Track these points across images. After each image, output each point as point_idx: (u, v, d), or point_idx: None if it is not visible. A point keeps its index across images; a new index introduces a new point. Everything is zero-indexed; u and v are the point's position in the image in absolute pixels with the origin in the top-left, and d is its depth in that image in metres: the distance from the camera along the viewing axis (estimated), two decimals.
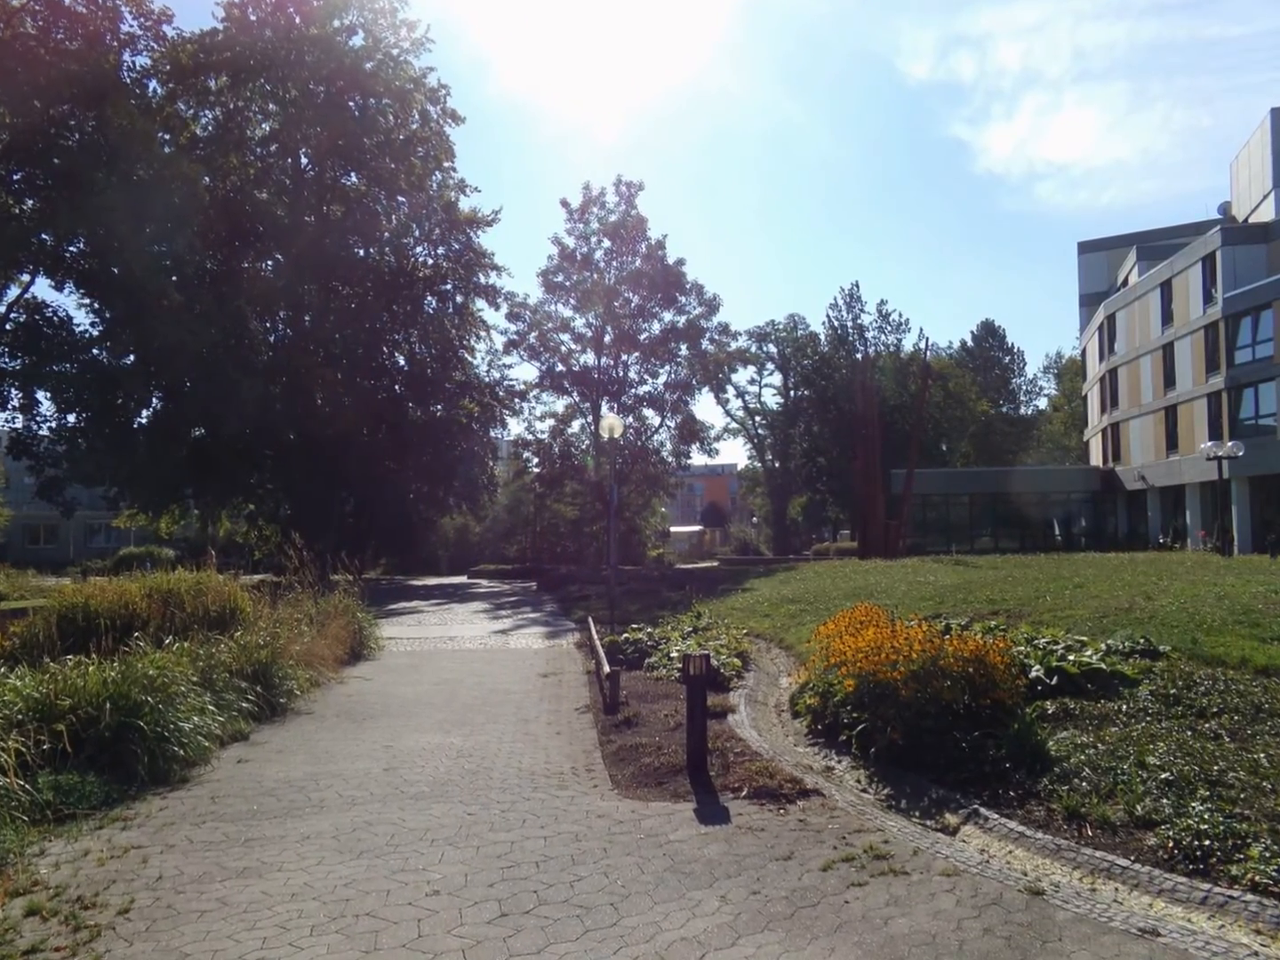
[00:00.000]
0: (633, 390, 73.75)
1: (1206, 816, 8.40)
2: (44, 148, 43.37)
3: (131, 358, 49.89)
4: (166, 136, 50.11)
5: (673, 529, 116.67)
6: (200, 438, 53.82)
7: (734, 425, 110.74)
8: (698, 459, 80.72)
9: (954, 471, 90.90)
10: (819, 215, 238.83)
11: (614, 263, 72.71)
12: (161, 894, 7.84)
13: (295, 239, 53.23)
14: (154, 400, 53.28)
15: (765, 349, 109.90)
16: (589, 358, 73.53)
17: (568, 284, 72.18)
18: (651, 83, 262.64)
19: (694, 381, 75.10)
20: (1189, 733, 10.91)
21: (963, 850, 8.73)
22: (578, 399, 74.30)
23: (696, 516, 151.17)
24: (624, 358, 72.91)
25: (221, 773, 11.86)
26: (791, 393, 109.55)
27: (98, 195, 42.08)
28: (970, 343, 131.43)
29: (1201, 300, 62.00)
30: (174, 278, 47.58)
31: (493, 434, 70.01)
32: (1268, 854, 7.71)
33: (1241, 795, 8.92)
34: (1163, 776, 9.47)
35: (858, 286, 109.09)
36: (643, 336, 72.44)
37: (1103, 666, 13.38)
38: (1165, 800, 8.94)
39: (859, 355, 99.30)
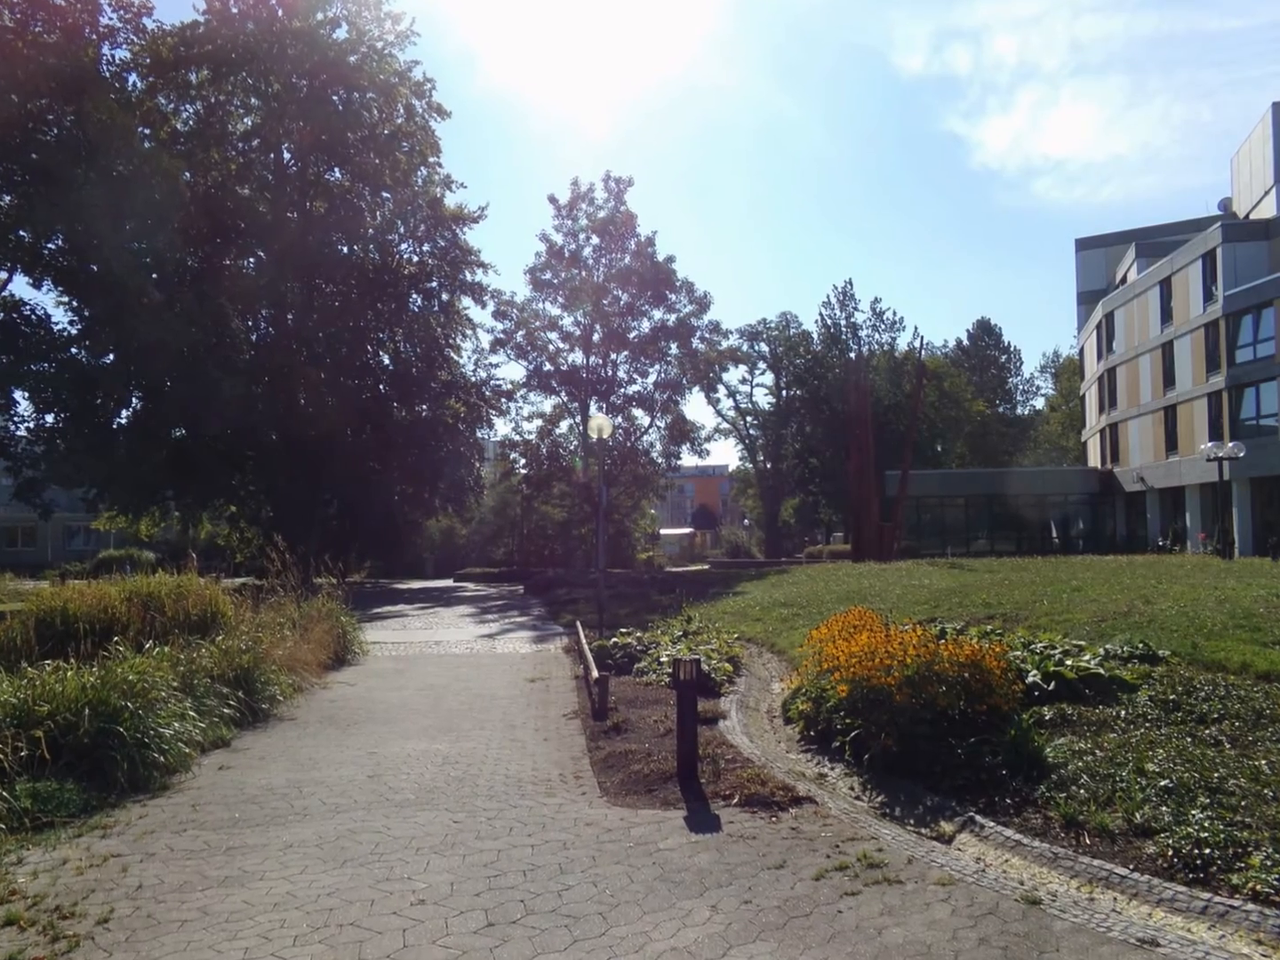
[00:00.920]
0: (622, 390, 73.93)
1: (1207, 824, 8.38)
2: (21, 142, 43.17)
3: (111, 357, 49.76)
4: (146, 131, 49.98)
5: (663, 531, 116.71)
6: (181, 438, 53.71)
7: (725, 425, 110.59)
8: (688, 460, 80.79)
9: (949, 473, 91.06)
10: (812, 211, 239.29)
11: (603, 260, 72.87)
12: (141, 903, 7.82)
13: (278, 236, 53.16)
14: (134, 400, 53.19)
15: (757, 348, 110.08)
16: (577, 357, 73.73)
17: (556, 281, 72.30)
18: (640, 76, 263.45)
19: (684, 381, 75.19)
20: (1189, 739, 10.91)
21: (958, 859, 8.73)
22: (566, 399, 74.42)
23: (687, 518, 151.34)
24: (613, 356, 73.01)
25: (203, 780, 11.85)
26: (784, 392, 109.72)
27: (76, 191, 42.00)
28: (966, 341, 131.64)
29: (1202, 298, 62.10)
30: (154, 275, 47.52)
31: (479, 434, 70.00)
32: (1269, 863, 7.69)
33: (1242, 803, 8.91)
34: (1162, 784, 9.45)
35: (851, 284, 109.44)
36: (632, 335, 72.53)
37: (1101, 672, 13.39)
38: (1165, 808, 8.93)
39: (852, 354, 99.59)
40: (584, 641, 21.76)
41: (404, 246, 63.26)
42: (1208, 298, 61.35)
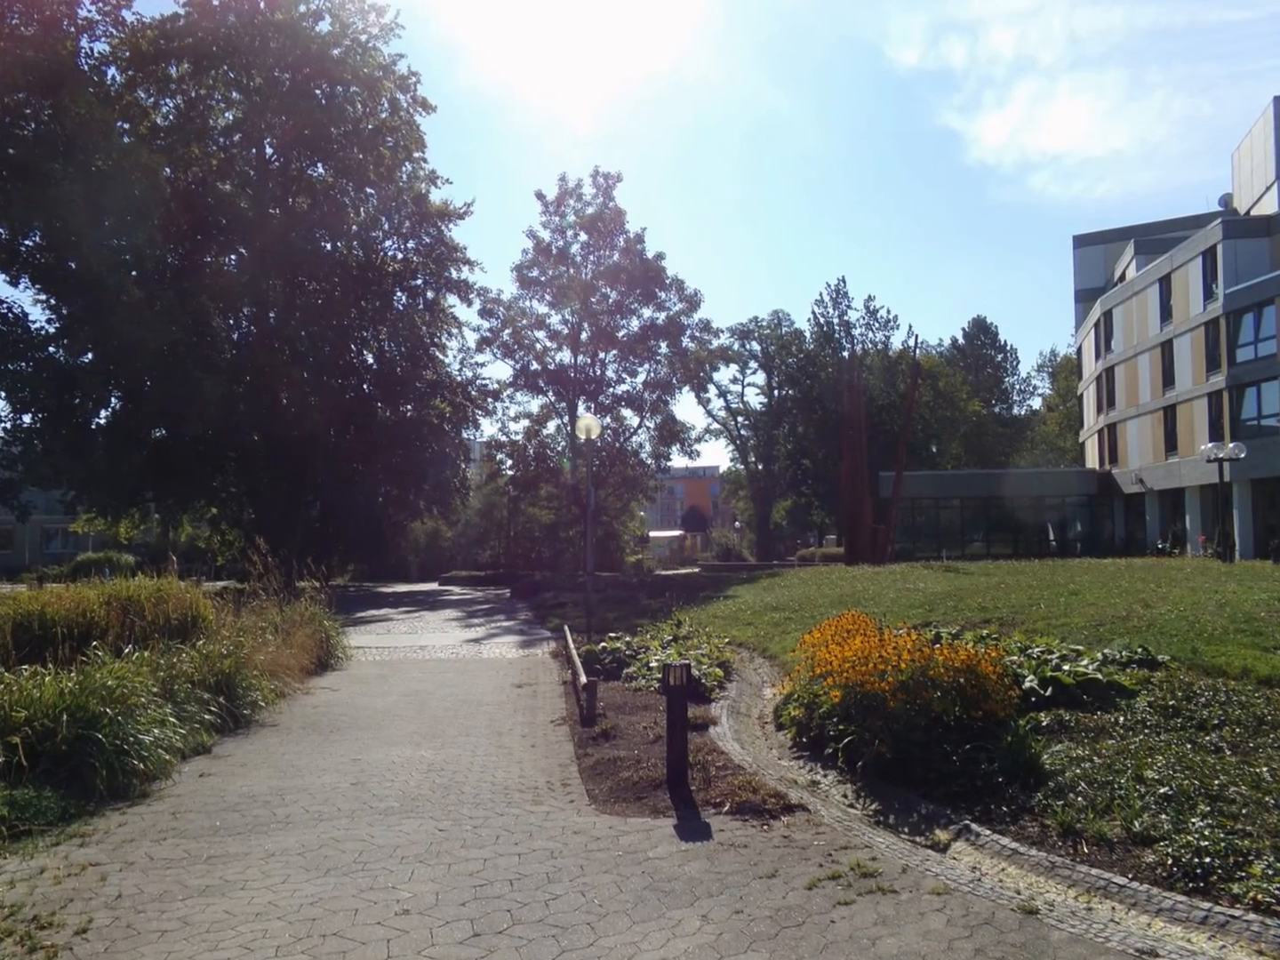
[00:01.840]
0: (610, 389, 73.97)
1: (1207, 833, 8.40)
2: None
3: (89, 356, 49.71)
4: (126, 126, 49.96)
5: (652, 534, 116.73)
6: (161, 439, 53.67)
7: (716, 426, 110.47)
8: (678, 461, 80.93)
9: (944, 474, 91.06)
10: (804, 208, 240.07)
11: (591, 257, 72.89)
12: (121, 913, 7.80)
13: (260, 232, 53.08)
14: (113, 400, 53.14)
15: (748, 347, 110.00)
16: (565, 356, 73.80)
17: (543, 279, 72.28)
18: (629, 70, 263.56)
19: (674, 380, 75.25)
20: (1189, 746, 10.94)
21: (953, 868, 8.73)
22: (553, 399, 74.44)
23: (677, 520, 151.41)
24: (601, 356, 73.05)
25: (183, 787, 11.83)
26: (775, 392, 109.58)
27: (54, 187, 41.92)
28: (961, 340, 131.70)
29: (1202, 296, 62.13)
30: (134, 273, 47.40)
31: (465, 435, 70.03)
32: (1270, 871, 7.70)
33: (1243, 811, 8.93)
34: (1161, 791, 9.48)
35: (844, 282, 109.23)
36: (621, 334, 72.56)
37: (1099, 677, 13.42)
38: (1164, 816, 8.94)
39: (845, 353, 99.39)
40: (572, 646, 21.75)
41: (388, 243, 63.30)
42: (1208, 295, 61.39)
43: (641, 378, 74.09)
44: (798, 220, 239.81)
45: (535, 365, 72.82)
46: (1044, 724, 12.10)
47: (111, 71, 50.92)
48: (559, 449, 74.60)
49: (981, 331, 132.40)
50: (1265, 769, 9.95)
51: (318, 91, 55.07)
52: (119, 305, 44.15)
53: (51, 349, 49.42)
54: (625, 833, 9.73)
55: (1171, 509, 67.41)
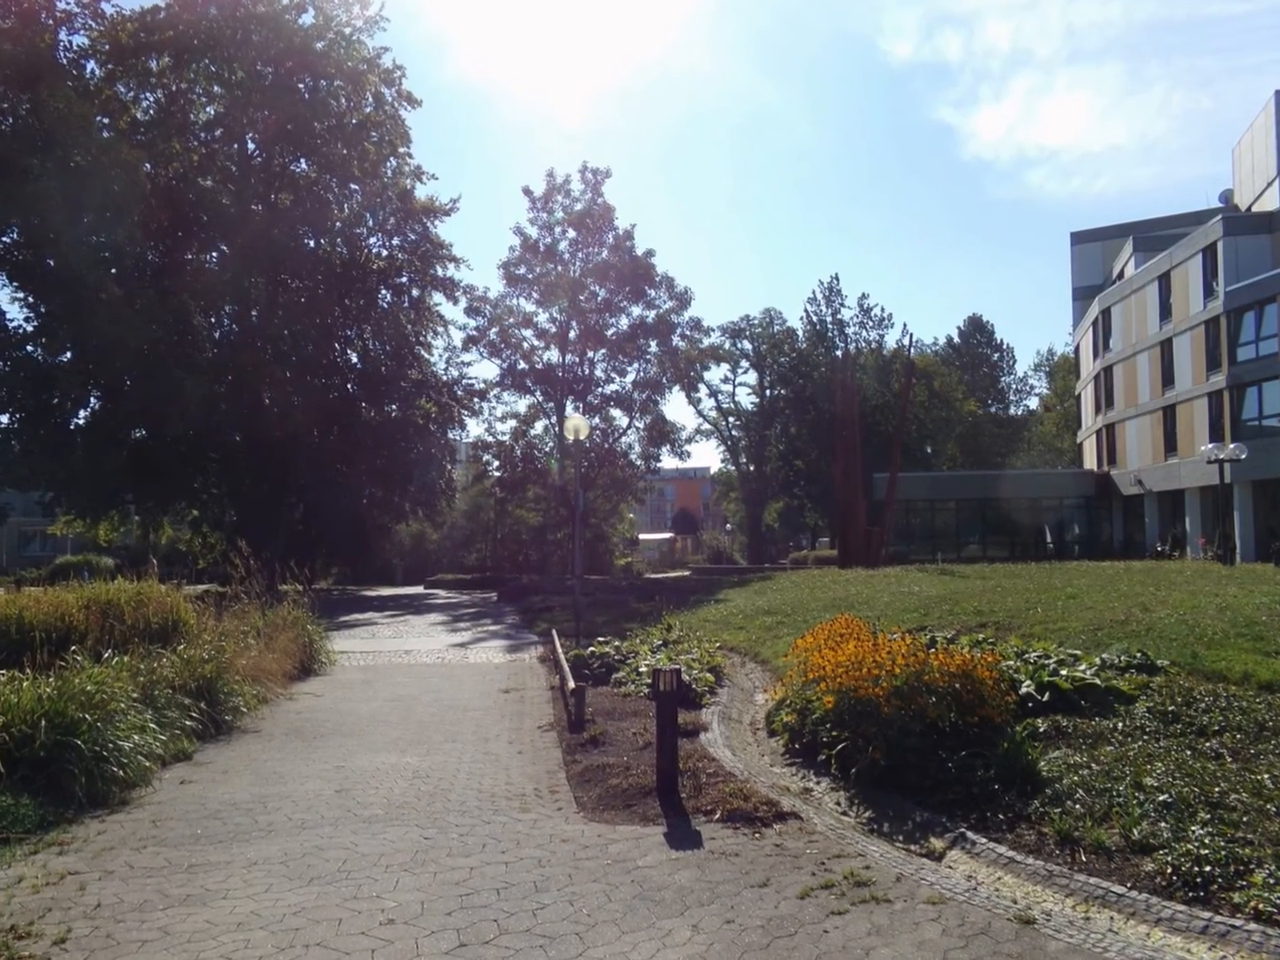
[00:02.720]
0: (599, 389, 73.72)
1: (1207, 841, 8.39)
2: None
3: (68, 355, 49.70)
4: (105, 121, 49.90)
5: (642, 536, 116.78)
6: (141, 439, 53.58)
7: (706, 426, 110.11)
8: (668, 462, 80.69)
9: (940, 475, 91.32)
10: (796, 204, 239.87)
11: (580, 254, 72.67)
12: (100, 923, 7.80)
13: (241, 229, 52.98)
14: (92, 400, 53.07)
15: (740, 346, 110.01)
16: (553, 355, 73.54)
17: (531, 276, 72.01)
18: (618, 64, 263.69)
19: (664, 380, 74.97)
20: (1189, 752, 10.95)
21: (949, 877, 8.74)
22: (541, 398, 74.26)
23: (667, 522, 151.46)
24: (589, 354, 72.84)
25: (163, 794, 11.82)
26: (767, 392, 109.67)
27: (32, 183, 41.89)
28: (957, 339, 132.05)
29: (1202, 294, 62.23)
30: (113, 270, 47.38)
31: (451, 436, 69.98)
32: (1272, 880, 7.70)
33: (1244, 818, 8.92)
34: (1161, 798, 9.47)
35: (837, 279, 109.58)
36: (609, 332, 72.40)
37: (1097, 682, 13.45)
38: (1163, 823, 8.94)
39: (839, 352, 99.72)
40: (560, 651, 21.76)
41: (373, 240, 63.23)
42: (1208, 293, 61.48)
43: (631, 377, 73.74)
44: (790, 216, 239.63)
45: (522, 364, 72.51)
46: (1041, 730, 12.11)
47: (91, 65, 50.89)
48: (546, 450, 74.37)
49: (977, 330, 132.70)
50: (1266, 776, 9.96)
51: (300, 85, 54.94)
52: (98, 303, 44.14)
53: (29, 348, 49.38)
54: (614, 841, 9.72)
55: (1171, 511, 67.52)
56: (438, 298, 66.66)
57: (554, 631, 26.40)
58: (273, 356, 55.15)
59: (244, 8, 52.62)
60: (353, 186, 59.55)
